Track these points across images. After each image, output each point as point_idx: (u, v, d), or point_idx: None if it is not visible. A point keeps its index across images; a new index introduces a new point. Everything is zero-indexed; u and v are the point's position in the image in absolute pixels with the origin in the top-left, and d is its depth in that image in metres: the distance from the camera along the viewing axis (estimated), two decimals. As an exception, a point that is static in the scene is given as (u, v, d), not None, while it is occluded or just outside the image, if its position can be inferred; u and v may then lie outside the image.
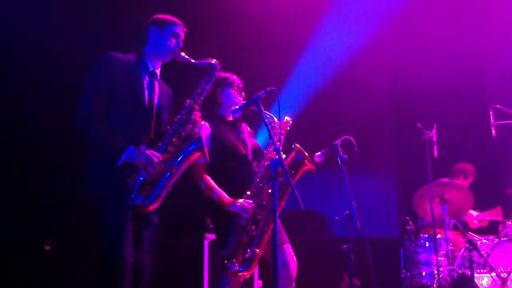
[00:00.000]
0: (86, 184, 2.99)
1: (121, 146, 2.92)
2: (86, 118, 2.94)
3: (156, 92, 3.16)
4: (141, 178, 2.93)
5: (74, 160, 3.44)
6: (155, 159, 2.92)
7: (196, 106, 3.12)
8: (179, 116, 3.10)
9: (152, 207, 2.98)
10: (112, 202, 2.91)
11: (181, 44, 3.21)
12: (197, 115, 3.13)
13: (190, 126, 3.09)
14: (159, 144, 3.03)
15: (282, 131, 3.65)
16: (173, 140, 3.05)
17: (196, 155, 3.11)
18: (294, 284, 3.54)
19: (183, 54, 3.18)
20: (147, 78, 3.13)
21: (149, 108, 3.09)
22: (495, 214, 5.94)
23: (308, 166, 3.66)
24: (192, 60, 3.17)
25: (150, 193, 2.95)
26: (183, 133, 3.08)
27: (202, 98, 3.16)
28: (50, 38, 5.16)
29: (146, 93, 3.09)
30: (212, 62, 3.19)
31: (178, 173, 3.05)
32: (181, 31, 3.21)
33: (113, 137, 2.94)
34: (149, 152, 2.94)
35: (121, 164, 2.91)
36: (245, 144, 3.69)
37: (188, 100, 3.13)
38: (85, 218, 3.00)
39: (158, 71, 3.22)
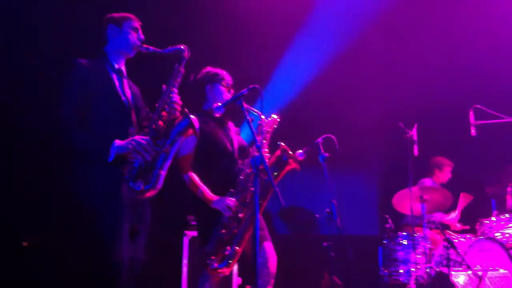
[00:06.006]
0: (74, 187, 2.97)
1: (106, 143, 2.92)
2: (66, 127, 2.93)
3: (126, 88, 3.18)
4: (137, 165, 2.95)
5: (60, 158, 3.41)
6: (144, 142, 2.95)
7: (173, 89, 3.14)
8: (159, 101, 3.11)
9: (153, 192, 3.00)
10: (104, 203, 2.90)
11: (142, 36, 3.23)
12: (176, 97, 3.14)
13: (173, 107, 3.10)
14: (146, 130, 3.05)
15: (269, 129, 3.66)
16: (159, 123, 3.07)
17: (188, 132, 3.13)
18: (273, 281, 3.56)
19: (147, 46, 3.19)
20: (115, 76, 3.15)
21: (127, 105, 3.11)
22: (463, 200, 6.07)
23: (292, 165, 3.67)
24: (159, 50, 3.18)
25: (149, 177, 2.97)
26: (168, 117, 3.10)
27: (178, 81, 3.17)
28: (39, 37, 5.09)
29: (119, 91, 3.11)
30: (181, 47, 3.20)
31: (172, 152, 3.07)
32: (138, 24, 3.24)
33: (96, 138, 2.95)
34: (136, 137, 2.97)
35: (112, 160, 2.91)
36: (231, 142, 3.70)
37: (164, 86, 3.15)
38: (67, 217, 2.97)
39: (123, 69, 3.24)
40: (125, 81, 3.20)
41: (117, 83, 3.13)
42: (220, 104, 3.48)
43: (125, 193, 2.95)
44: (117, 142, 2.93)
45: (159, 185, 3.02)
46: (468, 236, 5.46)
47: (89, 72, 3.05)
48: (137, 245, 3.07)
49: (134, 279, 3.04)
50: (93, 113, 3.00)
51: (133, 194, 2.96)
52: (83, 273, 3.02)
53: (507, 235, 5.44)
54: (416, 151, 5.02)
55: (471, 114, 5.17)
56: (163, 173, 3.02)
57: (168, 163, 3.05)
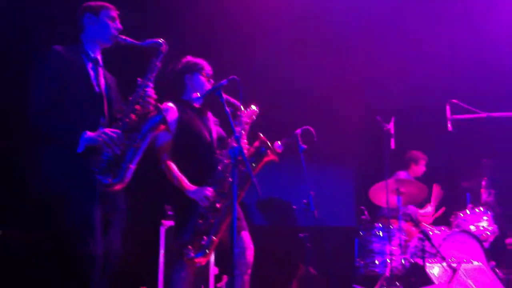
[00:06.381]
0: (45, 178, 2.94)
1: (77, 134, 2.89)
2: (41, 114, 2.91)
3: (101, 77, 3.15)
4: (105, 158, 2.93)
5: (30, 146, 3.36)
6: (115, 135, 2.92)
7: (149, 83, 3.12)
8: (134, 94, 3.08)
9: (121, 185, 2.98)
10: (76, 194, 2.88)
11: (120, 26, 3.20)
12: (151, 91, 3.12)
13: (147, 100, 3.07)
14: (119, 123, 3.02)
15: (248, 120, 3.66)
16: (131, 116, 3.04)
17: (160, 128, 3.11)
18: (250, 270, 3.58)
19: (125, 37, 3.16)
20: (90, 64, 3.12)
21: (99, 94, 3.08)
22: (437, 192, 6.28)
23: (271, 156, 3.67)
24: (137, 42, 3.16)
25: (117, 171, 2.95)
26: (141, 111, 3.07)
27: (154, 75, 3.15)
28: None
29: (93, 80, 3.08)
30: (159, 40, 3.17)
31: (142, 147, 3.04)
32: (115, 14, 3.21)
33: (69, 128, 2.92)
34: (107, 130, 2.95)
35: (82, 151, 2.88)
36: (210, 132, 3.69)
37: (139, 79, 3.12)
38: (36, 207, 2.93)
39: (99, 58, 3.20)
40: (100, 70, 3.17)
41: (91, 72, 3.10)
42: (198, 95, 3.47)
43: (97, 182, 2.92)
44: (88, 133, 2.90)
45: (127, 179, 2.99)
46: (443, 228, 5.54)
47: (64, 59, 3.02)
48: (112, 237, 3.04)
49: (110, 272, 3.02)
50: (65, 101, 2.96)
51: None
52: (55, 265, 2.99)
53: (481, 228, 5.56)
54: (393, 145, 5.07)
55: (448, 109, 5.22)
56: (132, 167, 3.00)
57: (138, 157, 3.03)
